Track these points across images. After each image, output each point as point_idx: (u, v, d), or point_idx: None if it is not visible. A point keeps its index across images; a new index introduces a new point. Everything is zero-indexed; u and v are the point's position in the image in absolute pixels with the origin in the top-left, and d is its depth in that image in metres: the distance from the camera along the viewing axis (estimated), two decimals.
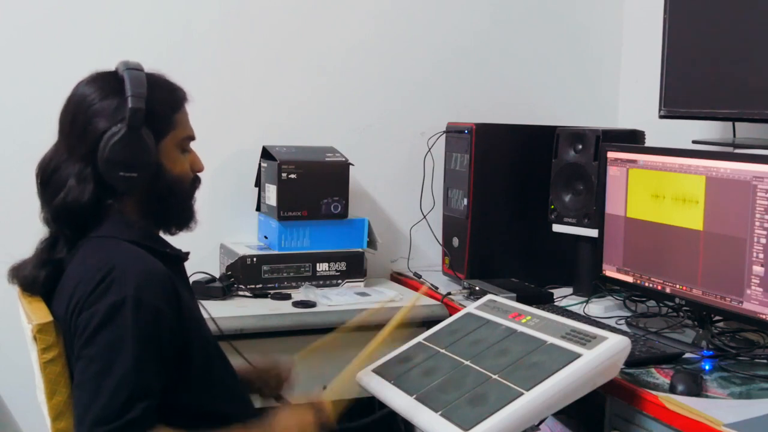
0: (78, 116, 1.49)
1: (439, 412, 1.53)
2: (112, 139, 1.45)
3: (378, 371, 1.79)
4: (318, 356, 1.87)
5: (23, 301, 1.54)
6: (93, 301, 1.37)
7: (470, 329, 1.81)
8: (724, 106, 2.16)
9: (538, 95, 2.89)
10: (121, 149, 1.46)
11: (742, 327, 1.91)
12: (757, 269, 1.70)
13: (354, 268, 2.45)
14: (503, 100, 2.82)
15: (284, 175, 2.37)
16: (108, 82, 1.50)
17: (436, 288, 2.41)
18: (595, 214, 2.20)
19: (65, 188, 1.46)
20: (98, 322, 1.35)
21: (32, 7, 2.33)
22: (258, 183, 2.54)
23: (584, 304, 2.22)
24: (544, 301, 2.20)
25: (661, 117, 2.33)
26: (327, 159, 2.45)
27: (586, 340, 1.57)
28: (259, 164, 2.52)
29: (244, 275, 2.32)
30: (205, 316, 1.77)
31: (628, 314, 2.13)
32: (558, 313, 1.85)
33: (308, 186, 2.39)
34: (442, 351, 1.77)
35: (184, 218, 1.61)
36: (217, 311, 1.96)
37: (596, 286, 2.24)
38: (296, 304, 2.23)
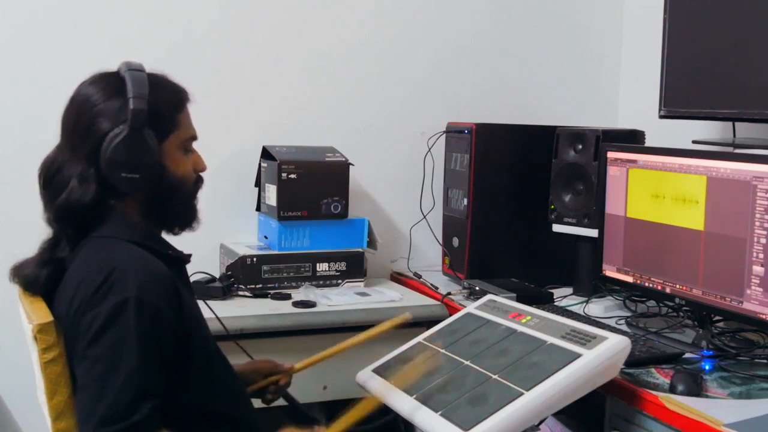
0: (81, 117, 1.49)
1: (439, 412, 1.53)
2: (115, 140, 1.45)
3: (378, 371, 1.79)
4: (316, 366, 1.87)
5: (24, 300, 1.54)
6: (95, 302, 1.37)
7: (470, 329, 1.81)
8: (724, 106, 2.16)
9: (538, 95, 2.89)
10: (124, 150, 1.46)
11: (742, 327, 1.91)
12: (757, 269, 1.70)
13: (354, 268, 2.45)
14: (503, 100, 2.82)
15: (284, 175, 2.37)
16: (111, 83, 1.50)
17: (436, 288, 2.41)
18: (595, 214, 2.20)
19: (67, 188, 1.46)
20: (101, 324, 1.35)
21: (32, 7, 2.33)
22: (258, 183, 2.54)
23: (584, 304, 2.22)
24: (544, 301, 2.20)
25: (661, 117, 2.33)
26: (327, 159, 2.45)
27: (586, 340, 1.57)
28: (259, 164, 2.52)
29: (244, 275, 2.32)
30: (211, 316, 1.77)
31: (628, 314, 2.13)
32: (558, 313, 1.85)
33: (308, 186, 2.39)
34: (442, 351, 1.77)
35: (187, 218, 1.61)
36: (217, 311, 1.96)
37: (596, 286, 2.24)
38: (296, 304, 2.23)
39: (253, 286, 2.32)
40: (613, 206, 2.12)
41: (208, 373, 1.52)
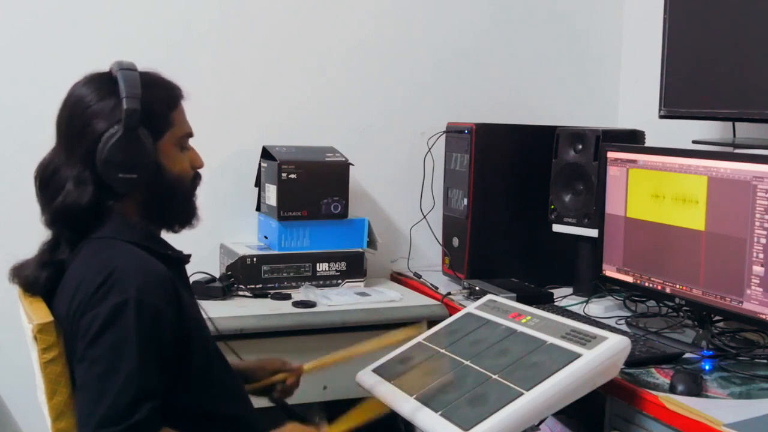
0: (75, 119, 1.49)
1: (439, 412, 1.53)
2: (110, 140, 1.45)
3: (378, 371, 1.78)
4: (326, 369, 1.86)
5: (24, 301, 1.54)
6: (95, 303, 1.37)
7: (470, 329, 1.81)
8: (724, 106, 2.16)
9: (538, 95, 2.89)
10: (120, 150, 1.45)
11: (742, 327, 1.91)
12: (757, 269, 1.70)
13: (354, 268, 2.45)
14: (503, 100, 2.82)
15: (284, 175, 2.37)
16: (103, 84, 1.50)
17: (436, 288, 2.41)
18: (595, 214, 2.20)
19: (64, 191, 1.46)
20: (101, 324, 1.35)
21: (32, 7, 2.33)
22: (258, 183, 2.54)
23: (584, 304, 2.22)
24: (544, 301, 2.20)
25: (661, 117, 2.33)
26: (327, 159, 2.45)
27: (586, 340, 1.57)
28: (259, 164, 2.52)
29: (244, 275, 2.32)
30: (204, 317, 1.77)
31: (628, 314, 2.13)
32: (558, 313, 1.85)
33: (308, 186, 2.39)
34: (442, 351, 1.77)
35: (186, 216, 1.61)
36: (217, 311, 1.96)
37: (596, 286, 2.24)
38: (296, 304, 2.23)
39: (253, 286, 2.32)
40: (613, 206, 2.12)
41: (208, 373, 1.52)
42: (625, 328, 2.00)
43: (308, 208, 2.40)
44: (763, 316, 1.69)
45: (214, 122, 2.41)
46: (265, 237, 2.49)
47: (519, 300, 2.07)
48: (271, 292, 2.33)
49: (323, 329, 2.15)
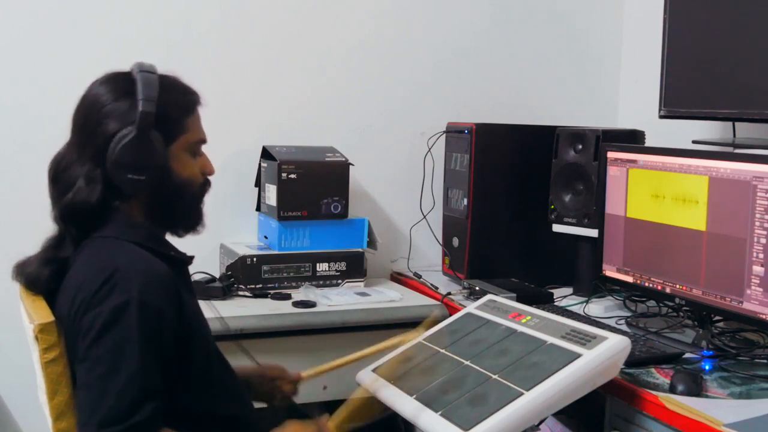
0: (90, 116, 1.49)
1: (440, 412, 1.53)
2: (122, 141, 1.45)
3: (378, 371, 1.78)
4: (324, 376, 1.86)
5: (25, 300, 1.54)
6: (97, 302, 1.37)
7: (470, 329, 1.82)
8: (724, 106, 2.16)
9: (538, 95, 2.89)
10: (130, 152, 1.46)
11: (742, 327, 1.91)
12: (757, 269, 1.70)
13: (354, 268, 2.45)
14: (503, 100, 2.82)
15: (284, 175, 2.37)
16: (121, 84, 1.50)
17: (436, 288, 2.41)
18: (595, 214, 2.20)
19: (74, 188, 1.47)
20: (103, 324, 1.35)
21: (32, 7, 2.32)
22: (258, 183, 2.54)
23: (584, 304, 2.22)
24: (544, 301, 2.20)
25: (661, 117, 2.33)
26: (327, 159, 2.45)
27: (586, 340, 1.57)
28: (259, 164, 2.52)
29: (244, 275, 2.32)
30: (215, 316, 1.77)
31: (628, 314, 2.13)
32: (558, 313, 1.85)
33: (308, 186, 2.39)
34: (443, 351, 1.77)
35: (191, 221, 1.61)
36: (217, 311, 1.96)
37: (596, 286, 2.24)
38: (296, 304, 2.23)
39: (253, 286, 2.32)
40: (613, 206, 2.12)
41: (208, 374, 1.52)
42: (625, 328, 2.00)
43: (308, 208, 2.40)
44: (763, 316, 1.69)
45: (214, 122, 2.38)
46: (265, 237, 2.49)
47: (519, 300, 2.07)
48: (271, 292, 2.33)
49: (323, 329, 2.15)
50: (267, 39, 2.57)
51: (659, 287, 1.98)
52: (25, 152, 2.12)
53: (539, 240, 2.47)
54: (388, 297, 2.32)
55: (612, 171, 2.12)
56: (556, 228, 2.35)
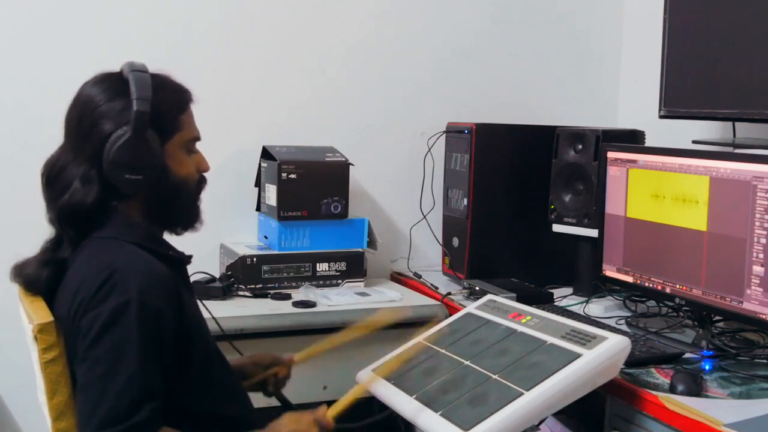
0: (84, 118, 1.49)
1: (439, 412, 1.53)
2: (118, 141, 1.45)
3: (378, 371, 1.78)
4: (317, 358, 1.87)
5: (24, 300, 1.54)
6: (96, 303, 1.37)
7: (470, 329, 1.81)
8: (724, 106, 2.16)
9: (538, 95, 2.89)
10: (127, 152, 1.46)
11: (742, 327, 1.91)
12: (757, 269, 1.70)
13: (354, 268, 2.45)
14: (503, 100, 2.83)
15: (284, 175, 2.37)
16: (114, 84, 1.50)
17: (436, 288, 2.41)
18: (595, 214, 2.20)
19: (70, 189, 1.46)
20: (102, 325, 1.35)
21: (32, 7, 2.33)
22: (258, 183, 2.54)
23: (584, 304, 2.22)
24: (544, 301, 2.20)
25: (661, 117, 2.33)
26: (327, 159, 2.45)
27: (586, 340, 1.57)
28: (259, 164, 2.52)
29: (244, 275, 2.32)
30: (207, 316, 1.77)
31: (628, 314, 2.13)
32: (558, 313, 1.85)
33: (308, 186, 2.39)
34: (442, 351, 1.77)
35: (189, 219, 1.61)
36: (217, 311, 1.96)
37: (596, 286, 2.24)
38: (296, 304, 2.23)
39: (253, 286, 2.32)
40: (613, 206, 2.12)
41: (208, 374, 1.52)
42: (625, 328, 2.00)
43: (308, 208, 2.40)
44: (763, 316, 1.69)
45: (214, 122, 2.39)
46: (265, 237, 2.49)
47: (519, 300, 2.07)
48: (271, 292, 2.33)
49: (323, 329, 2.14)
50: (267, 39, 2.57)
51: (659, 287, 1.98)
52: (25, 152, 2.11)
53: (539, 240, 2.47)
54: (388, 297, 2.32)
55: (612, 171, 2.12)
56: (556, 228, 2.35)
